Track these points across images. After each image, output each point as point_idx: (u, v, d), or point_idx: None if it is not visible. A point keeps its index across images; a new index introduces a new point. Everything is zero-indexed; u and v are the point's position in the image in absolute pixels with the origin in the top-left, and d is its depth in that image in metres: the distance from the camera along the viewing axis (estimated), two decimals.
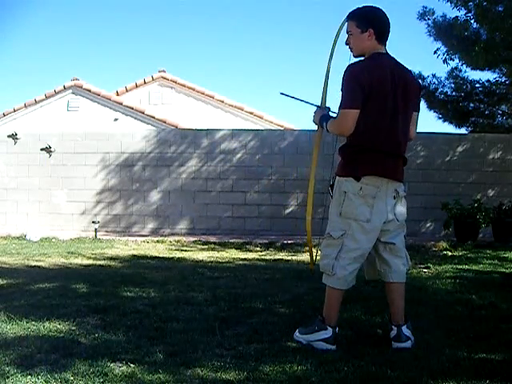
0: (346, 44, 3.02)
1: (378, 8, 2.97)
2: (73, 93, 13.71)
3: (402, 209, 2.97)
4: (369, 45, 2.92)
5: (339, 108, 2.88)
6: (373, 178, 2.84)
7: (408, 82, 2.94)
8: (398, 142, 2.92)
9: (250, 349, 2.81)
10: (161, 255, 6.83)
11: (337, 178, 2.96)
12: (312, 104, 3.20)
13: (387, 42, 2.97)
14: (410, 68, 3.07)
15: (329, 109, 3.12)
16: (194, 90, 14.69)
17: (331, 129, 2.96)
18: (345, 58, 3.04)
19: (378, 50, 2.92)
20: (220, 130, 9.96)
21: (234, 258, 6.61)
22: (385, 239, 2.93)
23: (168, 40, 30.88)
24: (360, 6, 2.98)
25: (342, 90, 2.86)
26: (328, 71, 3.18)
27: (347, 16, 2.99)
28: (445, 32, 10.29)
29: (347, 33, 2.99)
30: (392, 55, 2.98)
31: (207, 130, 9.98)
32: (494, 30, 8.20)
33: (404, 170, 3.03)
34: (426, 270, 5.52)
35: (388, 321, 3.03)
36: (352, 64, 2.90)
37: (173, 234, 9.36)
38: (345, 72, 2.85)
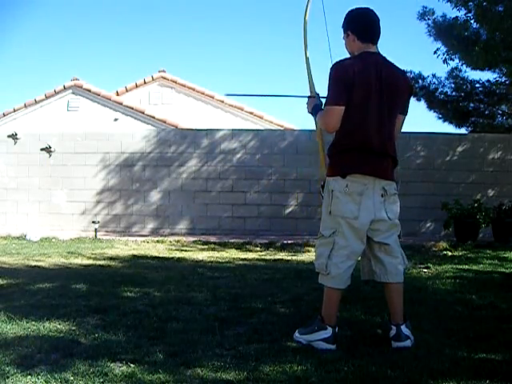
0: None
1: (360, 9, 3.00)
2: (73, 93, 13.71)
3: (392, 207, 2.95)
4: (354, 46, 2.97)
5: (324, 105, 2.92)
6: (359, 175, 2.85)
7: (397, 81, 2.93)
8: (383, 140, 2.90)
9: (250, 349, 2.81)
10: (161, 255, 6.84)
11: (326, 178, 2.98)
12: (291, 96, 3.24)
13: (379, 41, 2.98)
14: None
15: (318, 95, 3.13)
16: (194, 90, 14.68)
17: (319, 123, 3.02)
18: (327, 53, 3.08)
19: (365, 49, 2.93)
20: (220, 129, 9.96)
21: (234, 258, 6.61)
22: (378, 239, 2.92)
23: (168, 40, 30.91)
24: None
25: (328, 86, 2.89)
26: (307, 58, 3.25)
27: None
28: (445, 32, 10.30)
29: (343, 39, 3.05)
30: (384, 55, 2.98)
31: (207, 129, 9.98)
32: (494, 30, 8.20)
33: (393, 170, 3.00)
34: (426, 270, 5.51)
35: (387, 320, 3.03)
36: (337, 61, 2.92)
37: (173, 234, 9.35)
38: (330, 69, 2.89)
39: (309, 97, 3.18)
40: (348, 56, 3.03)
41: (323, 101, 3.05)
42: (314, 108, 3.09)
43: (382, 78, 2.86)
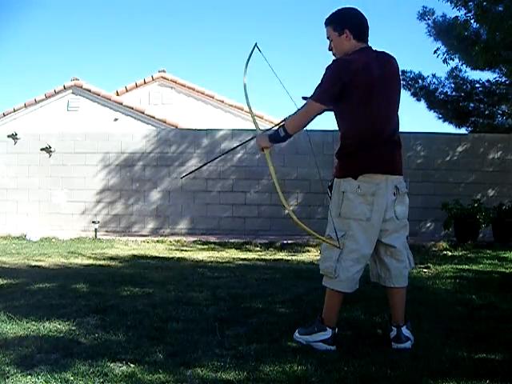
0: (329, 50, 3.03)
1: (351, 7, 2.98)
2: (73, 93, 13.71)
3: (402, 206, 2.92)
4: (349, 45, 2.92)
5: (310, 97, 2.89)
6: (371, 175, 2.82)
7: (393, 68, 2.92)
8: (392, 134, 2.89)
9: (250, 349, 2.81)
10: (161, 255, 6.84)
11: (335, 179, 2.94)
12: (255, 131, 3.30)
13: (369, 38, 2.97)
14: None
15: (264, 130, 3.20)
16: (194, 90, 14.68)
17: (292, 123, 2.98)
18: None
19: (359, 47, 2.91)
20: (220, 129, 9.96)
21: (233, 258, 6.61)
22: (385, 240, 2.89)
23: (168, 40, 30.90)
24: (334, 10, 2.99)
25: (321, 79, 2.85)
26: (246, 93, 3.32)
27: (324, 22, 3.01)
28: (445, 32, 10.29)
29: (327, 39, 3.01)
30: (374, 48, 2.96)
31: (207, 129, 9.98)
32: (494, 30, 8.18)
33: (402, 163, 2.98)
34: (426, 270, 5.51)
35: (388, 321, 3.03)
36: (340, 58, 2.90)
37: (173, 234, 9.36)
38: (332, 63, 2.86)
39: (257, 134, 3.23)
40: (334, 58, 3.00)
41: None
42: (271, 135, 3.10)
43: (384, 71, 2.84)
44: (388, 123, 2.88)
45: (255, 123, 3.29)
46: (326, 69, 2.85)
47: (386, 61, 2.93)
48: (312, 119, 2.94)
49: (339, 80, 2.78)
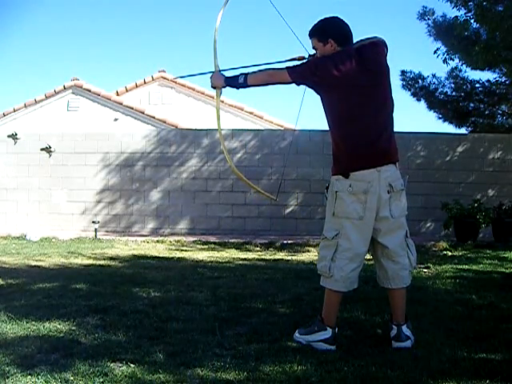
0: None
1: (333, 17, 3.01)
2: (73, 93, 13.70)
3: (398, 204, 2.90)
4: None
5: (294, 66, 2.93)
6: (362, 172, 2.81)
7: (374, 57, 2.90)
8: (381, 126, 2.88)
9: (250, 349, 2.81)
10: (161, 255, 6.83)
11: (331, 178, 2.96)
12: (205, 73, 3.26)
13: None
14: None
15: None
16: (194, 90, 14.67)
17: (256, 77, 3.01)
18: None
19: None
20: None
21: (233, 258, 6.61)
22: (380, 240, 2.89)
23: (168, 40, 30.88)
24: (316, 21, 3.02)
25: (314, 59, 2.92)
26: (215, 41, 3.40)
27: (308, 34, 3.03)
28: (445, 32, 10.30)
29: (314, 49, 3.04)
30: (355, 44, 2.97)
31: (207, 129, 9.97)
32: (494, 30, 8.19)
33: (396, 148, 2.95)
34: (426, 270, 5.51)
35: (388, 320, 3.03)
36: (330, 54, 2.91)
37: (173, 234, 9.35)
38: (326, 55, 2.91)
39: (213, 72, 3.20)
40: None
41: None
42: (229, 79, 3.09)
43: (365, 64, 2.84)
44: (378, 116, 2.87)
45: (215, 63, 3.25)
46: (320, 55, 2.93)
47: (368, 48, 2.90)
48: (275, 84, 3.00)
49: (325, 73, 2.81)
